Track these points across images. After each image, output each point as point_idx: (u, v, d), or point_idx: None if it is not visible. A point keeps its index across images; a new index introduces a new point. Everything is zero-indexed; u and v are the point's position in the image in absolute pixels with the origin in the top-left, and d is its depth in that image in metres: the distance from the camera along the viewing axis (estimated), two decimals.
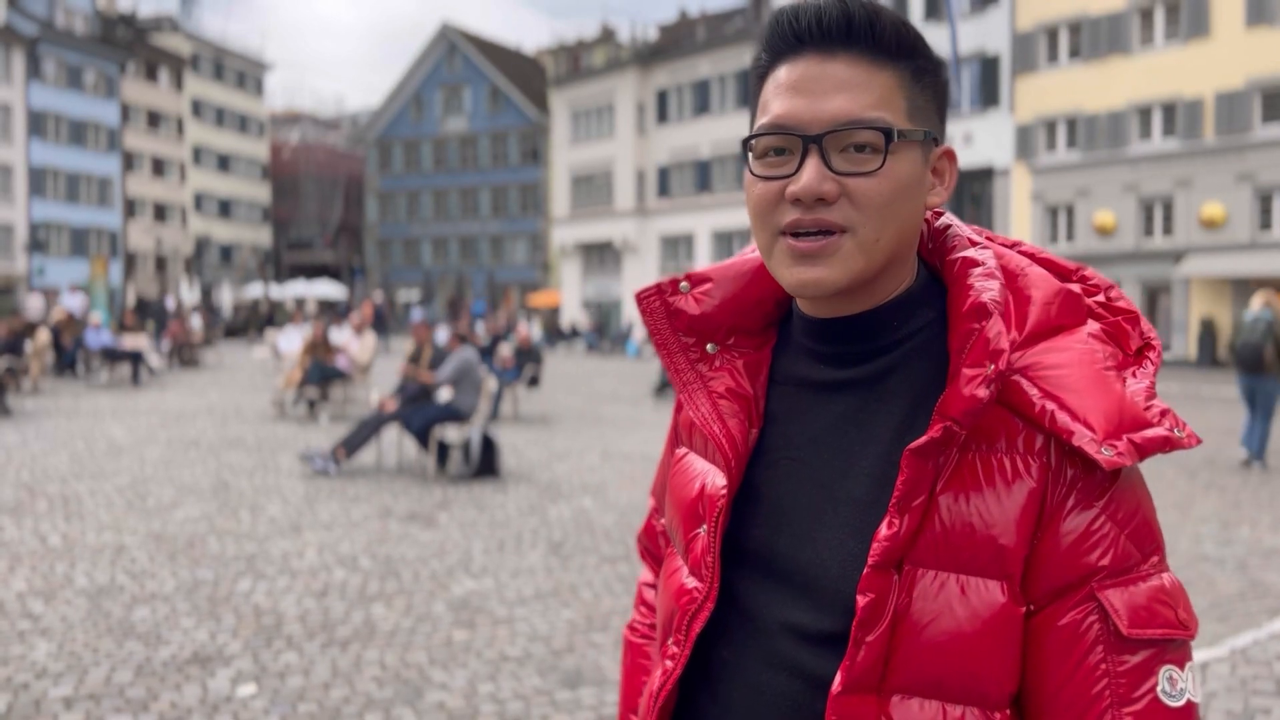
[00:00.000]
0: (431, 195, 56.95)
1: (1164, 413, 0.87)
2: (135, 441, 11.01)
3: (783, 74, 0.92)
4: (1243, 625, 5.05)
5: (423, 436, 9.07)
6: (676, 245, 42.90)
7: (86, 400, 15.53)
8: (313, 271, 60.97)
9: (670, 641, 1.02)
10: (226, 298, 45.85)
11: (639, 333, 35.52)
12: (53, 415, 13.41)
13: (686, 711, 1.03)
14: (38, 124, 44.38)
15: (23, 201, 43.63)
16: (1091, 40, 30.01)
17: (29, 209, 43.82)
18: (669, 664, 1.01)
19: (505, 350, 15.85)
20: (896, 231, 0.91)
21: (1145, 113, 29.24)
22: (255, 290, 49.70)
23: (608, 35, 53.24)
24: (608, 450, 11.06)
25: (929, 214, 1.02)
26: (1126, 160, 29.30)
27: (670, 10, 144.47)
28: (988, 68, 32.38)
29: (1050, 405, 0.86)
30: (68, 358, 19.81)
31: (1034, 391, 0.87)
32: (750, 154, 0.94)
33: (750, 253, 1.06)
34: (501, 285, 52.14)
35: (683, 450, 1.09)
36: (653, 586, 1.28)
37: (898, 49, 0.90)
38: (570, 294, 47.46)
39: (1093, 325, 0.93)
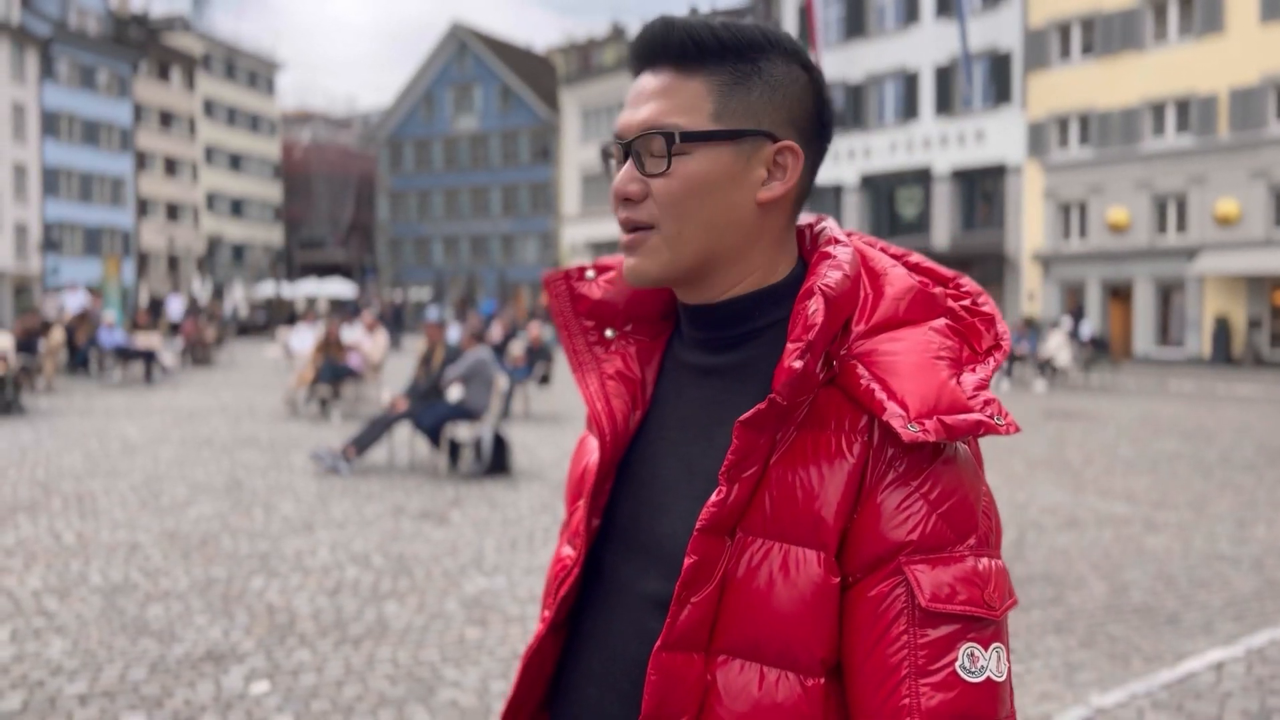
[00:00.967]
0: (442, 194, 57.02)
1: (988, 402, 0.90)
2: (148, 440, 11.06)
3: (631, 87, 1.03)
4: (1259, 624, 5.02)
5: (434, 435, 9.08)
6: None
7: (100, 399, 15.61)
8: (324, 270, 61.10)
9: (544, 607, 1.11)
10: (239, 296, 46.01)
11: None
12: (66, 414, 13.48)
13: (557, 679, 1.11)
14: (51, 124, 44.63)
15: (37, 201, 43.87)
16: (1104, 36, 29.87)
17: (43, 209, 44.07)
18: (540, 627, 1.09)
19: (516, 348, 15.85)
20: (703, 226, 0.98)
21: (1159, 109, 29.10)
22: (267, 289, 49.87)
23: (618, 33, 53.23)
24: None
25: (813, 218, 1.08)
26: (1140, 157, 29.16)
27: (680, 8, 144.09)
28: (1000, 64, 32.26)
29: (874, 386, 0.91)
30: (81, 357, 19.91)
31: (864, 374, 0.92)
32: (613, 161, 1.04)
33: None
34: (513, 284, 52.17)
35: (585, 433, 1.17)
36: None
37: (704, 56, 0.97)
38: None
39: (939, 321, 0.97)
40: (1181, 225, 28.68)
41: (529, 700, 1.12)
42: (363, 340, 14.73)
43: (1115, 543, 6.75)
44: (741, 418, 0.91)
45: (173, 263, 53.86)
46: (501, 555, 6.27)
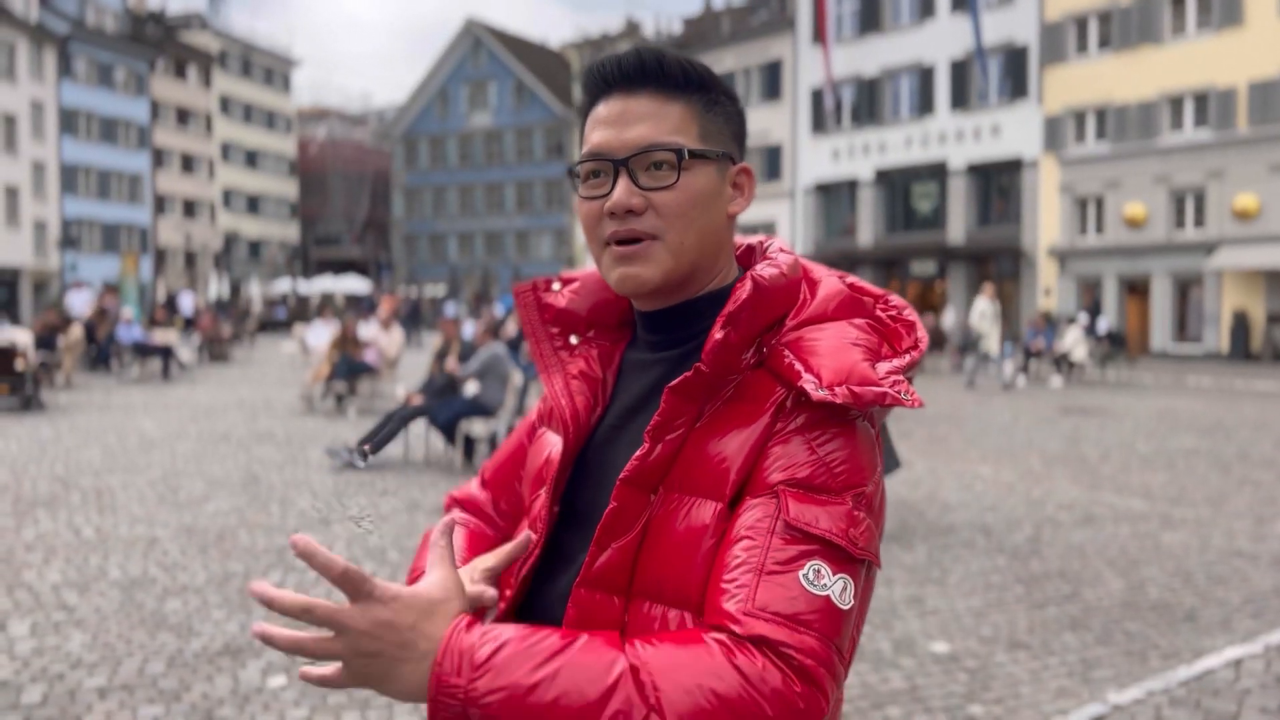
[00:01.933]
0: (457, 190, 57.16)
1: (897, 382, 0.99)
2: (166, 435, 11.13)
3: (599, 111, 1.11)
4: (1277, 621, 4.98)
5: (449, 431, 9.11)
6: None
7: (118, 395, 15.71)
8: (340, 267, 61.33)
9: (504, 586, 1.17)
10: (255, 293, 46.22)
11: None
12: (85, 409, 13.58)
13: None
14: (69, 122, 44.91)
15: (55, 198, 44.18)
16: (1122, 30, 29.66)
17: (61, 206, 44.38)
18: (501, 606, 1.15)
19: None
20: (699, 235, 1.09)
21: (1177, 103, 28.88)
22: (283, 286, 50.08)
23: (632, 29, 53.20)
24: None
25: (765, 237, 1.20)
26: (1157, 151, 28.95)
27: (695, 3, 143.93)
28: (1016, 58, 32.08)
29: (796, 363, 1.02)
30: (103, 353, 20.06)
31: (789, 355, 1.03)
32: (578, 179, 1.12)
33: None
34: (527, 280, 52.24)
35: (542, 429, 1.26)
36: (459, 503, 1.38)
37: (686, 84, 1.10)
38: None
39: (860, 320, 1.08)
40: (1199, 220, 28.46)
41: None
42: (379, 336, 14.78)
43: (1132, 539, 6.71)
44: (670, 385, 1.03)
45: (190, 259, 54.14)
46: None
